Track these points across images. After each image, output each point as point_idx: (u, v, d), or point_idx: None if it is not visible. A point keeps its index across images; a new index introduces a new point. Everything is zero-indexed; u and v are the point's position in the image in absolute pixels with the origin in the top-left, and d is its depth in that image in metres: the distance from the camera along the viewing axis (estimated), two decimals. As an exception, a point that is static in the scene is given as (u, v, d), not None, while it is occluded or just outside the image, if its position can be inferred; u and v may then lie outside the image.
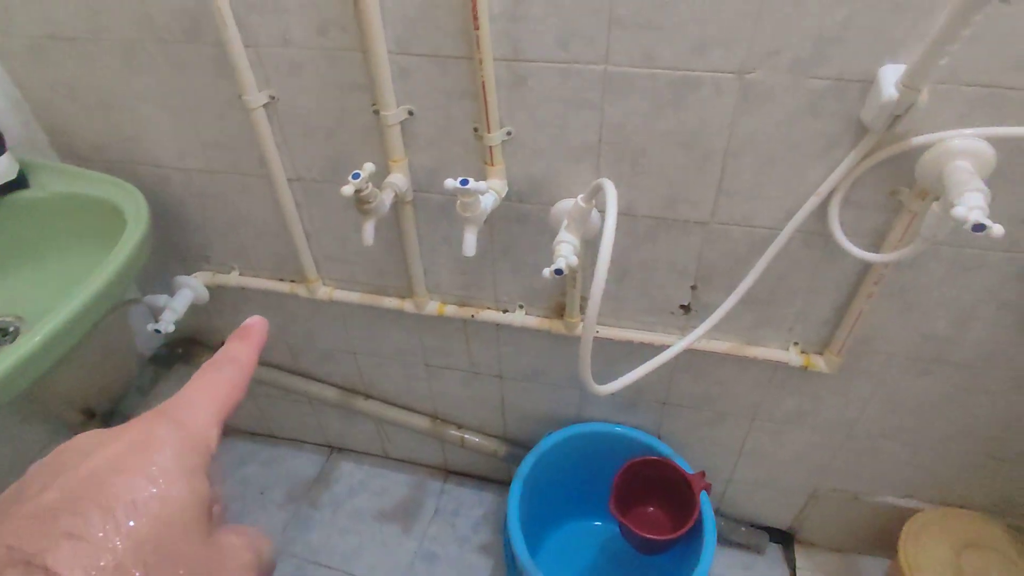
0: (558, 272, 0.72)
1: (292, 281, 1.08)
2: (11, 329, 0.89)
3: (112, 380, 1.20)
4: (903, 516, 1.04)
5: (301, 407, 1.38)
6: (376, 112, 0.79)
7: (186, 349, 1.29)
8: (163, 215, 1.02)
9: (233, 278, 1.10)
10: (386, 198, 0.79)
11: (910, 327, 0.84)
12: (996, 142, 0.62)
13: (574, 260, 0.72)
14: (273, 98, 0.83)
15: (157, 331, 1.02)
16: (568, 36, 0.68)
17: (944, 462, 1.01)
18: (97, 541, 0.17)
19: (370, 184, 0.74)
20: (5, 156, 0.86)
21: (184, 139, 0.92)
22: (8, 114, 0.93)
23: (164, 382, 1.28)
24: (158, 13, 0.79)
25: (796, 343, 0.91)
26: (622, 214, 0.82)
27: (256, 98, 0.82)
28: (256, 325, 0.29)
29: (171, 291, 1.08)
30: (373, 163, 0.78)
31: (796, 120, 0.68)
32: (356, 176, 0.72)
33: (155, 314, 1.05)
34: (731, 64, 0.66)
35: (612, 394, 0.85)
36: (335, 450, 1.49)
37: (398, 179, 0.83)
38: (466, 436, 1.25)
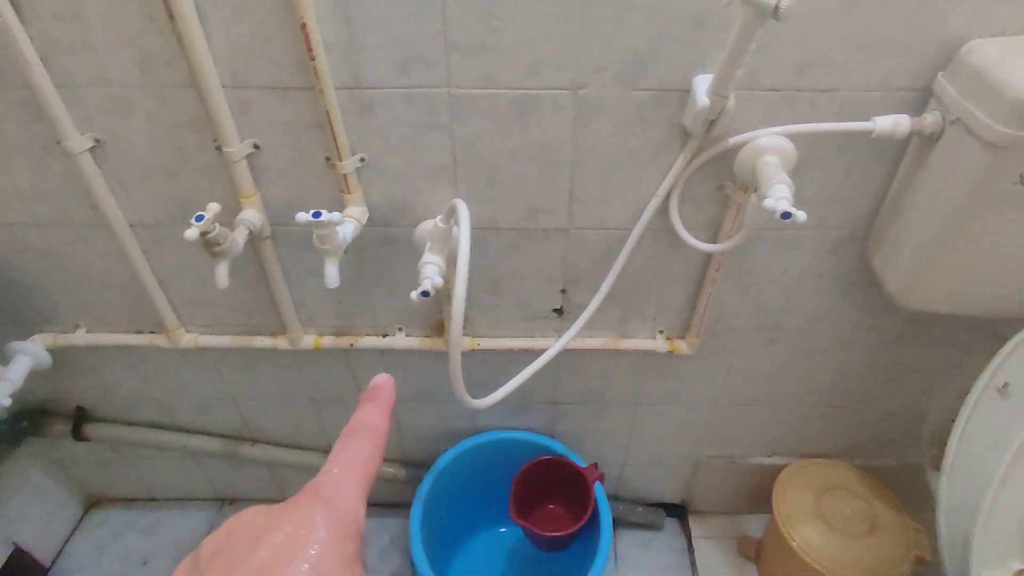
0: (425, 294, 0.72)
1: (151, 332, 1.00)
2: None
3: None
4: (774, 473, 1.15)
5: (182, 463, 1.28)
6: (219, 148, 0.76)
7: (34, 421, 1.15)
8: (-15, 277, 0.91)
9: (80, 337, 1.00)
10: (239, 237, 0.76)
11: (751, 304, 0.93)
12: (794, 137, 0.71)
13: (439, 281, 0.73)
14: (99, 141, 0.77)
15: (-9, 407, 0.91)
16: (408, 62, 0.69)
17: (797, 418, 1.13)
18: None
19: (217, 225, 0.70)
20: None
21: (-1, 192, 0.83)
22: None
23: (13, 462, 1.14)
24: (-54, 56, 0.71)
25: (661, 331, 0.98)
26: (486, 228, 0.84)
27: (78, 143, 0.75)
28: (385, 384, 0.29)
29: (5, 360, 0.97)
30: (222, 201, 0.75)
31: (628, 129, 0.74)
32: (199, 218, 0.68)
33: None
34: (564, 81, 0.70)
35: (499, 402, 0.87)
36: (226, 502, 1.39)
37: (251, 215, 0.80)
38: (364, 465, 1.22)
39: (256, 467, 1.27)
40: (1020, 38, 0.63)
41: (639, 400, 1.10)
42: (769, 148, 0.70)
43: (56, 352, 1.00)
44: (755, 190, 0.71)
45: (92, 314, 0.99)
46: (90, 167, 0.78)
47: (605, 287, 0.86)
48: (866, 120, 0.69)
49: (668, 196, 0.79)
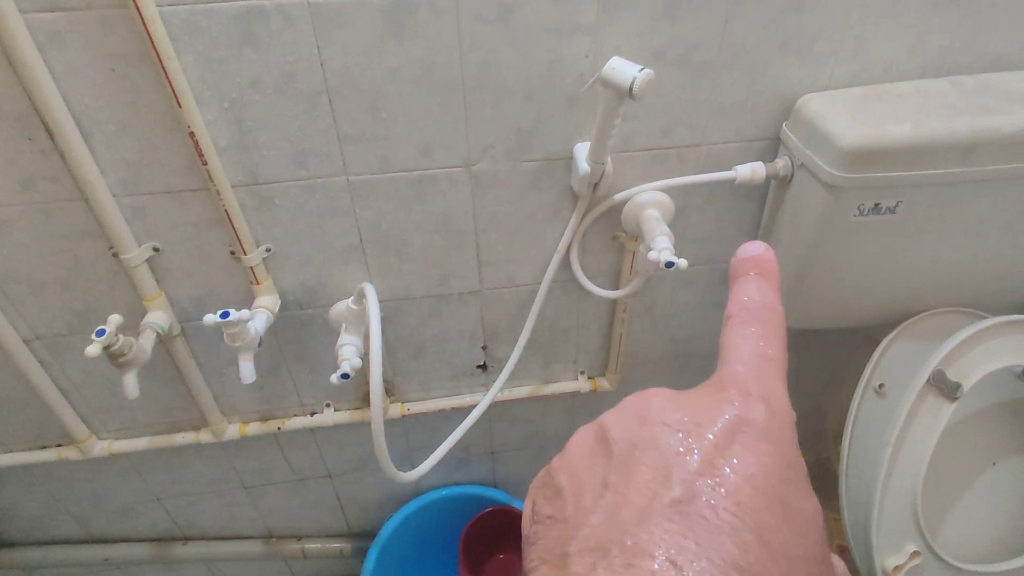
0: (344, 376, 0.73)
1: (58, 445, 0.95)
2: None
3: None
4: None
5: (107, 574, 1.20)
6: (116, 255, 0.75)
7: (-70, 559, 1.05)
8: None
9: (-23, 462, 0.93)
10: (146, 343, 0.74)
11: (661, 336, 1.00)
12: (670, 190, 0.78)
13: (358, 362, 0.74)
14: (-17, 262, 0.74)
15: None
16: (303, 156, 0.71)
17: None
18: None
19: (120, 336, 0.69)
20: None
21: None
22: None
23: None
24: None
25: (583, 372, 1.03)
26: (402, 299, 0.87)
27: (-41, 267, 0.72)
28: (767, 256, 0.22)
29: None
30: (126, 305, 0.74)
31: (524, 196, 0.79)
32: (100, 333, 0.67)
33: None
34: (456, 160, 0.74)
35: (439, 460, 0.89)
36: (161, 608, 1.31)
37: (157, 317, 0.78)
38: (307, 546, 1.19)
39: (192, 565, 1.21)
40: (842, 91, 0.73)
41: (571, 438, 1.14)
42: (648, 202, 0.77)
43: (-50, 482, 0.93)
44: (643, 240, 0.78)
45: (-11, 436, 0.93)
46: (-26, 289, 0.74)
47: (522, 340, 0.90)
48: (729, 169, 0.77)
49: (568, 250, 0.84)
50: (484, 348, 0.96)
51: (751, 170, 0.75)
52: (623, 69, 0.60)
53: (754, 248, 0.23)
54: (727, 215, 0.86)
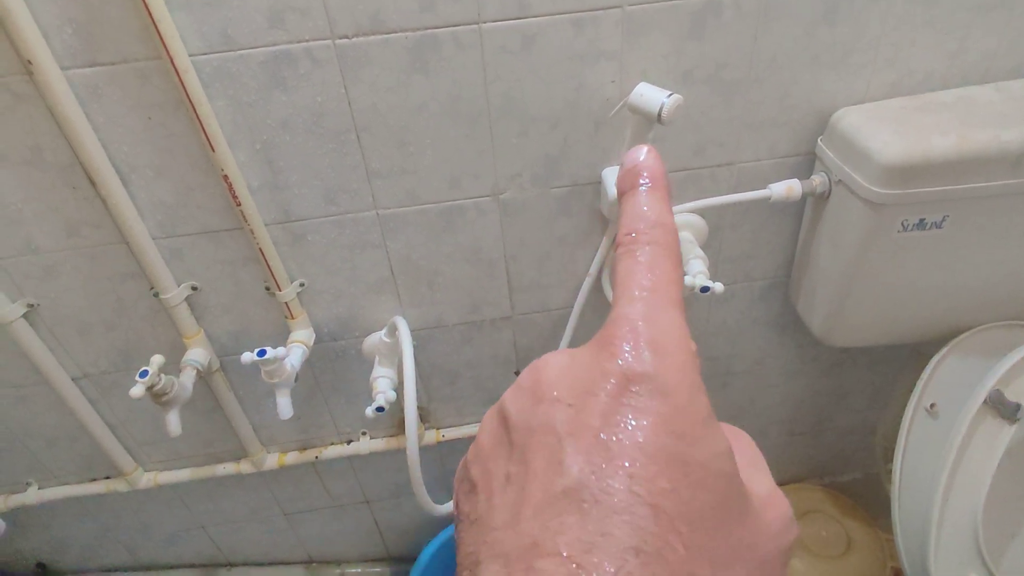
0: (380, 410, 0.74)
1: (107, 478, 0.97)
2: None
3: None
4: (749, 505, 1.18)
5: (155, 601, 1.23)
6: (157, 295, 0.77)
7: (-10, 588, 1.10)
8: (-79, 454, 0.88)
9: (32, 495, 0.96)
10: (186, 380, 0.76)
11: (699, 356, 0.97)
12: (703, 211, 0.77)
13: (392, 395, 0.74)
14: (32, 305, 0.77)
15: (-58, 591, 0.86)
16: (333, 192, 0.72)
17: (764, 450, 1.16)
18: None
19: (162, 376, 0.71)
20: None
21: (-71, 368, 0.81)
22: None
23: (-32, 637, 1.08)
24: None
25: (617, 393, 1.01)
26: (435, 327, 0.87)
27: (10, 311, 0.75)
28: (648, 162, 0.20)
29: (-48, 534, 0.92)
30: (166, 342, 0.75)
31: (553, 221, 0.78)
32: (144, 374, 0.69)
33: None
34: (484, 189, 0.74)
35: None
36: (208, 632, 1.33)
37: (197, 354, 0.80)
38: (346, 571, 1.20)
39: (235, 592, 1.23)
40: (880, 103, 0.71)
41: (609, 460, 1.12)
42: (681, 225, 0.76)
43: (8, 514, 0.96)
44: (677, 262, 0.76)
45: (42, 469, 0.96)
46: (25, 332, 0.77)
47: (556, 365, 0.89)
48: (763, 187, 0.75)
49: (600, 274, 0.83)
50: (516, 373, 0.95)
51: (787, 188, 0.73)
52: (651, 95, 0.59)
53: (638, 154, 0.20)
54: (763, 232, 0.84)
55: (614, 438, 0.15)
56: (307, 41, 0.62)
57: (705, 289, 0.67)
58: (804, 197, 0.74)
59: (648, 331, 0.17)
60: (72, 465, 0.96)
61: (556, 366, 0.18)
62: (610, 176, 0.73)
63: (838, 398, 1.10)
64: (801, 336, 0.98)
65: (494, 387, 0.96)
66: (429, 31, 0.63)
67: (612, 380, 0.16)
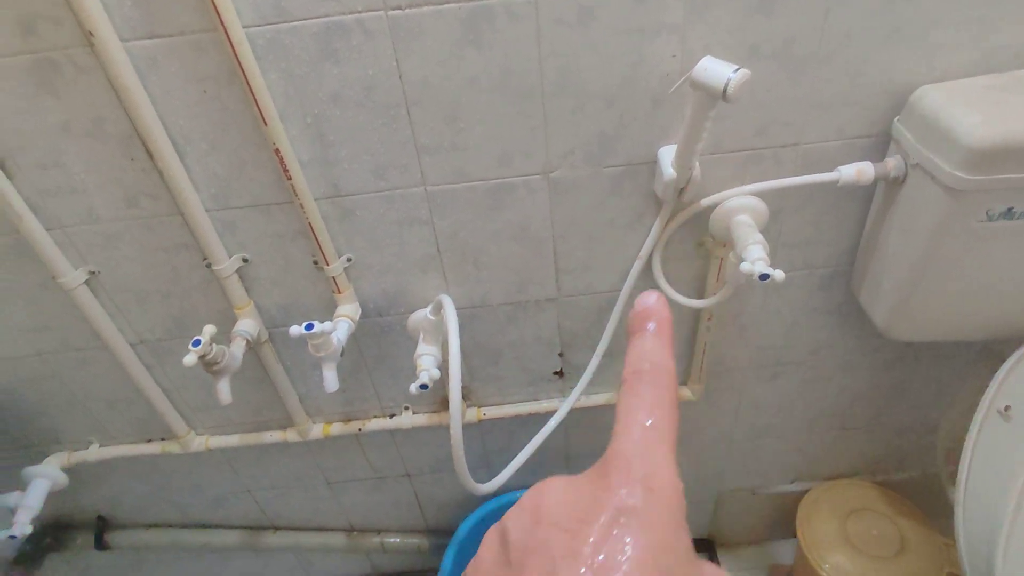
0: (423, 387, 0.74)
1: (161, 440, 1.01)
2: None
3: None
4: (799, 498, 1.15)
5: (205, 557, 1.28)
6: (209, 266, 0.78)
7: (56, 536, 1.16)
8: (-6, 409, 0.93)
9: (93, 453, 1.01)
10: (236, 350, 0.77)
11: (749, 344, 0.94)
12: (764, 193, 0.73)
13: (436, 373, 0.74)
14: (93, 273, 0.79)
15: (13, 537, 0.92)
16: (383, 168, 0.72)
17: (813, 444, 1.13)
18: None
19: (214, 345, 0.72)
20: None
21: None
22: None
23: (36, 581, 1.15)
24: (-61, 215, 0.73)
25: (663, 380, 0.99)
26: (479, 306, 0.86)
27: (73, 278, 0.78)
28: (657, 308, 0.23)
29: (22, 485, 0.98)
30: (217, 312, 0.77)
31: (604, 202, 0.76)
32: (196, 343, 0.70)
33: (9, 514, 0.95)
34: (535, 167, 0.72)
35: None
36: (254, 590, 1.39)
37: (247, 325, 0.82)
38: (386, 540, 1.22)
39: (281, 553, 1.27)
40: (963, 82, 0.65)
41: (650, 446, 1.10)
42: (740, 208, 0.72)
43: (71, 469, 1.01)
44: (732, 248, 0.73)
45: (102, 429, 1.00)
46: (87, 298, 0.80)
47: (601, 347, 0.88)
48: (830, 169, 0.70)
49: (650, 257, 0.80)
50: (560, 355, 0.94)
51: (856, 171, 0.69)
52: (716, 70, 0.56)
53: (648, 299, 0.23)
54: (826, 217, 0.79)
55: (603, 567, 0.17)
56: (359, 12, 0.61)
57: (764, 277, 0.64)
58: (875, 181, 0.70)
59: (642, 468, 0.19)
60: (130, 426, 1.00)
61: (557, 492, 0.20)
62: (667, 155, 0.70)
63: (897, 394, 1.04)
64: (860, 328, 0.93)
65: (536, 368, 0.95)
66: (483, 2, 0.61)
67: (606, 512, 0.18)
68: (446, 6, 0.61)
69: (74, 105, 0.66)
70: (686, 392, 0.98)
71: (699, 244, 0.81)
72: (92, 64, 0.63)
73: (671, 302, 0.82)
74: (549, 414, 0.97)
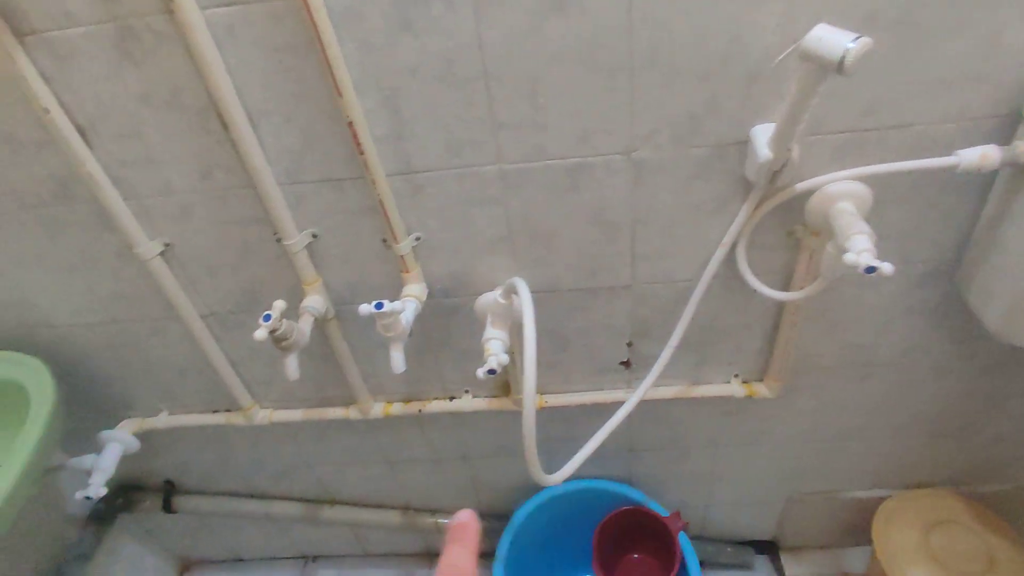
0: (491, 372, 0.71)
1: (227, 411, 1.03)
2: (-79, 542, 0.81)
3: (49, 553, 1.11)
4: (875, 505, 1.08)
5: (265, 526, 1.32)
6: (279, 240, 0.77)
7: (126, 498, 1.21)
8: (71, 373, 0.96)
9: (162, 420, 1.04)
10: (304, 326, 0.77)
11: (837, 341, 0.88)
12: (867, 179, 0.66)
13: (505, 358, 0.71)
14: (168, 244, 0.80)
15: (88, 498, 0.95)
16: (458, 144, 0.69)
17: (896, 449, 1.06)
18: None
19: (284, 320, 0.72)
20: None
21: (76, 296, 0.87)
22: None
23: (109, 538, 1.20)
24: (20, 183, 0.75)
25: (737, 375, 0.94)
26: (548, 291, 0.83)
27: (149, 248, 0.78)
28: (470, 525, 0.29)
29: (97, 448, 1.01)
30: (285, 287, 0.76)
31: (688, 185, 0.71)
32: (267, 318, 0.70)
33: (84, 476, 0.99)
34: (617, 147, 0.68)
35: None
36: (310, 559, 1.42)
37: (314, 301, 0.81)
38: (441, 521, 1.22)
39: (338, 527, 1.29)
40: (1124, 54, 0.57)
41: (720, 443, 1.06)
42: (842, 194, 0.66)
43: (142, 435, 1.05)
44: (829, 238, 0.67)
45: (172, 398, 1.03)
46: (161, 269, 0.81)
47: (675, 339, 0.83)
48: (942, 154, 0.64)
49: (734, 245, 0.75)
50: (629, 345, 0.90)
51: (980, 155, 0.62)
52: (832, 39, 0.50)
53: (463, 516, 0.29)
54: (933, 209, 0.72)
55: None
56: (441, -22, 0.58)
57: (871, 270, 0.58)
58: (1000, 167, 0.62)
59: None
60: (198, 397, 1.02)
61: None
62: (761, 135, 0.64)
63: (995, 401, 0.96)
64: (958, 330, 0.85)
65: (603, 357, 0.92)
66: (573, -35, 0.56)
67: None
68: (533, -30, 0.57)
69: (153, 75, 0.66)
70: (761, 389, 0.93)
71: (788, 232, 0.75)
72: (171, 32, 0.62)
73: (752, 293, 0.77)
74: (614, 404, 0.93)
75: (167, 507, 1.21)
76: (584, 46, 0.61)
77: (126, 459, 1.02)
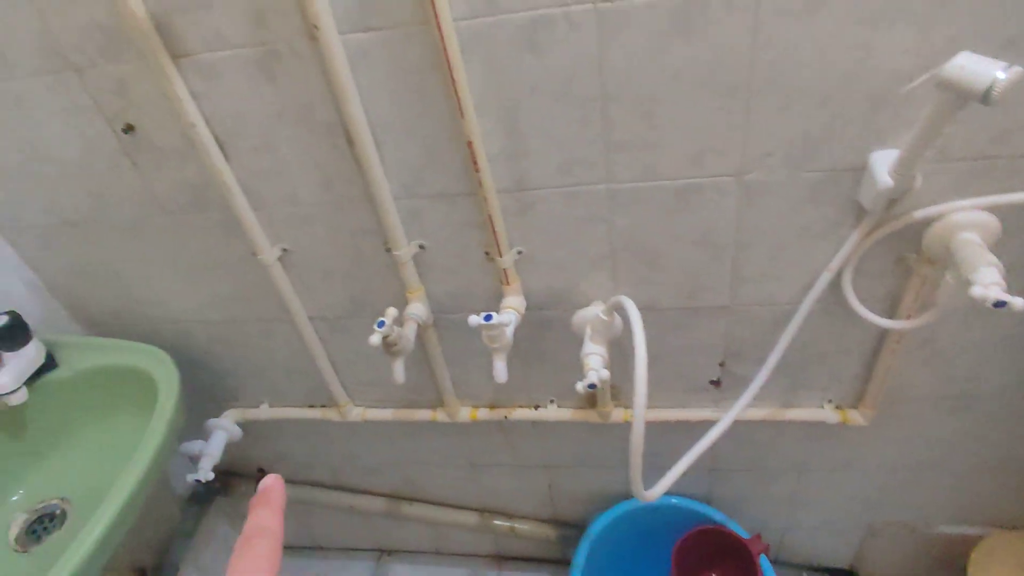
0: (591, 387, 0.73)
1: (323, 407, 1.09)
2: (57, 512, 0.89)
3: (156, 532, 1.20)
4: (964, 542, 1.04)
5: (347, 517, 1.37)
6: (389, 251, 0.82)
7: (224, 482, 1.29)
8: (188, 364, 1.03)
9: (264, 412, 1.11)
10: (409, 333, 0.80)
11: (937, 373, 0.85)
12: (996, 209, 0.64)
13: (606, 374, 0.73)
14: (286, 251, 0.86)
15: (198, 480, 1.02)
16: (569, 163, 0.71)
17: (991, 486, 1.01)
18: None
19: (395, 327, 0.75)
20: (32, 343, 0.88)
21: (200, 295, 0.94)
22: (27, 298, 0.95)
23: (207, 519, 1.28)
24: (161, 190, 0.82)
25: (830, 400, 0.92)
26: (646, 309, 0.83)
27: (271, 255, 0.84)
28: (275, 487, 0.31)
29: (204, 435, 1.09)
30: (390, 295, 0.80)
31: (798, 209, 0.71)
32: (381, 324, 0.74)
33: (192, 459, 1.06)
34: (728, 168, 0.68)
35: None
36: (385, 553, 1.47)
37: (417, 308, 0.85)
38: (516, 525, 1.24)
39: (417, 524, 1.34)
40: None
41: (805, 467, 1.04)
42: (967, 224, 0.64)
43: (243, 425, 1.12)
44: (947, 268, 0.65)
45: (273, 392, 1.09)
46: (279, 274, 0.86)
47: (772, 362, 0.82)
48: (1088, 184, 0.61)
49: (841, 270, 0.74)
50: (722, 364, 0.89)
51: None
52: (977, 68, 0.49)
53: (267, 481, 0.31)
54: (1065, 239, 0.69)
55: None
56: (568, 5, 0.60)
57: (1000, 304, 0.56)
58: None
59: None
60: (297, 391, 1.08)
61: None
62: (880, 161, 0.63)
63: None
64: (1078, 365, 0.81)
65: (693, 375, 0.92)
66: (700, -8, 0.57)
67: None
68: (660, -2, 0.58)
69: (288, 93, 0.71)
70: (855, 416, 0.90)
71: (899, 259, 0.73)
72: (309, 54, 0.67)
73: (854, 318, 0.76)
74: (700, 423, 0.93)
75: (259, 493, 1.28)
76: (704, 67, 0.62)
77: (227, 446, 1.10)
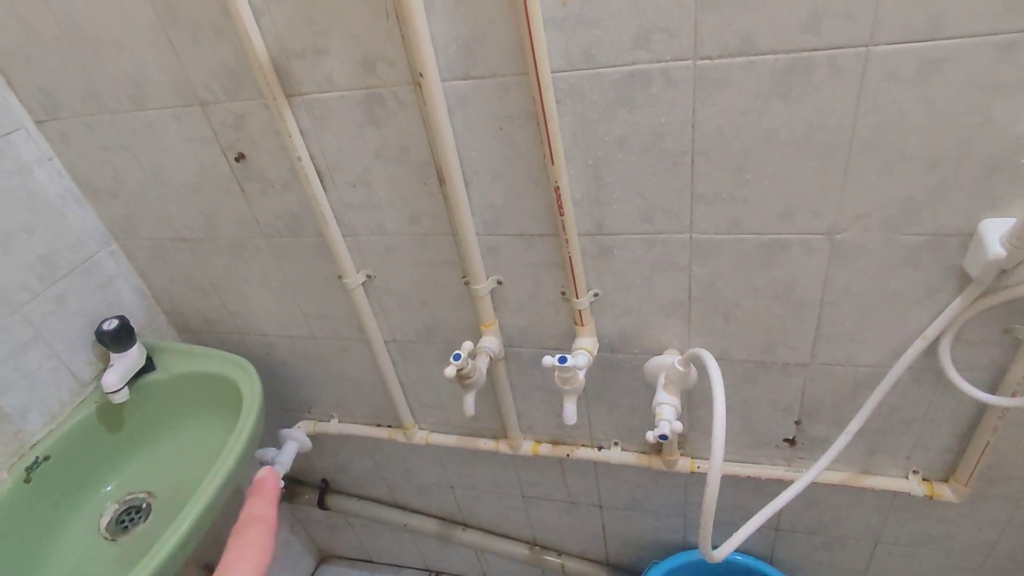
0: (663, 438, 0.72)
1: (389, 426, 1.12)
2: (143, 506, 0.95)
3: (224, 531, 1.26)
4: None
5: (400, 534, 1.40)
6: (467, 283, 0.84)
7: (288, 489, 1.34)
8: (269, 375, 1.09)
9: (333, 426, 1.15)
10: (482, 366, 0.82)
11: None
12: (1121, 288, 0.60)
13: (679, 426, 0.72)
14: (370, 277, 0.89)
15: (269, 487, 1.07)
16: (652, 212, 0.71)
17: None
18: None
19: (470, 361, 0.77)
20: (136, 347, 0.95)
21: (287, 312, 0.99)
22: (135, 304, 1.03)
23: (271, 523, 1.33)
24: (263, 215, 0.87)
25: (916, 471, 0.86)
26: (719, 359, 0.81)
27: (355, 279, 0.88)
28: (268, 477, 0.36)
29: (277, 443, 1.14)
30: (463, 326, 0.81)
31: (893, 271, 0.68)
32: (457, 357, 0.75)
33: (263, 464, 1.11)
34: (819, 227, 0.67)
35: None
36: (433, 573, 1.48)
37: (490, 342, 0.86)
38: (567, 563, 1.23)
39: (466, 550, 1.34)
40: None
41: (882, 539, 0.98)
42: (1086, 302, 0.60)
43: (313, 437, 1.16)
44: (1064, 345, 0.61)
45: (344, 407, 1.13)
46: (361, 297, 0.90)
47: (855, 425, 0.79)
48: None
49: (938, 337, 0.70)
50: (798, 423, 0.86)
51: None
52: (1107, 147, 0.46)
53: (261, 473, 0.35)
54: None
55: None
56: (667, 61, 0.61)
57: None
58: None
59: None
60: (366, 409, 1.11)
61: None
62: (991, 229, 0.60)
63: None
64: None
65: (765, 431, 0.89)
66: (804, 54, 0.57)
67: None
68: (761, 57, 0.58)
69: (388, 133, 0.74)
70: (946, 491, 0.85)
71: (1006, 330, 0.69)
72: (411, 100, 0.71)
73: (947, 388, 0.72)
74: (771, 481, 0.90)
75: (321, 503, 1.32)
76: (802, 128, 0.61)
77: (297, 455, 1.14)
